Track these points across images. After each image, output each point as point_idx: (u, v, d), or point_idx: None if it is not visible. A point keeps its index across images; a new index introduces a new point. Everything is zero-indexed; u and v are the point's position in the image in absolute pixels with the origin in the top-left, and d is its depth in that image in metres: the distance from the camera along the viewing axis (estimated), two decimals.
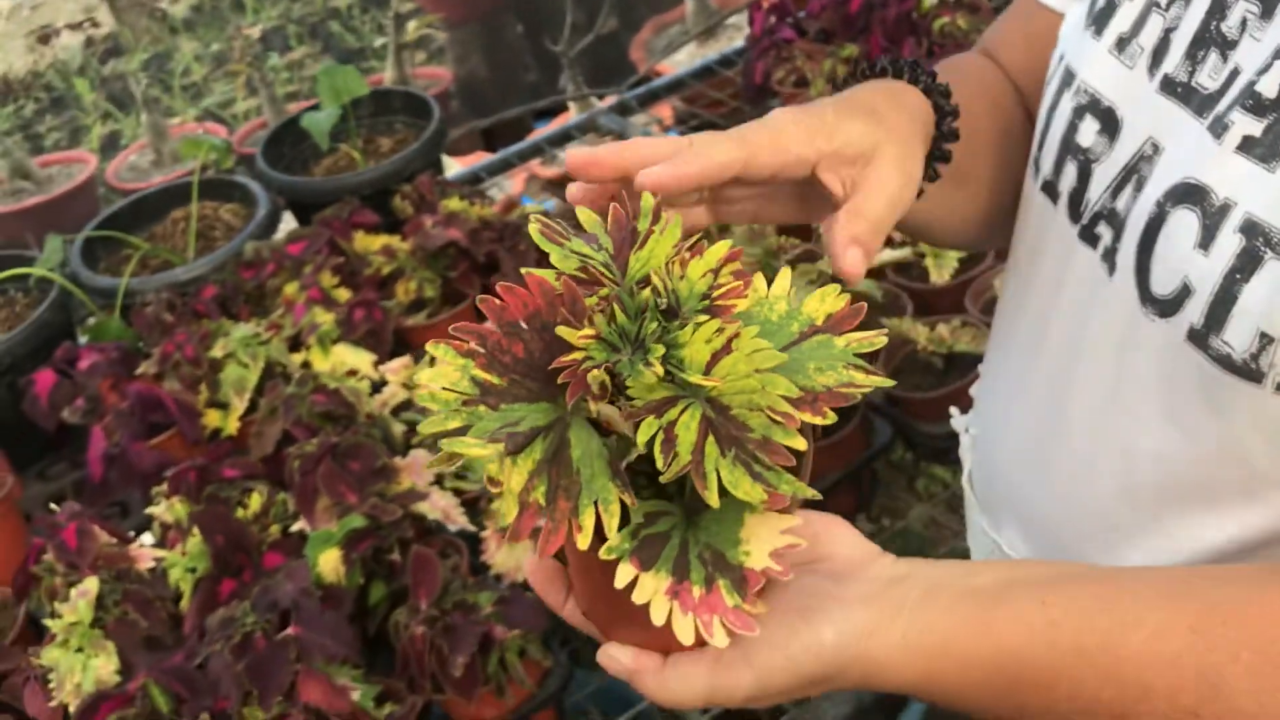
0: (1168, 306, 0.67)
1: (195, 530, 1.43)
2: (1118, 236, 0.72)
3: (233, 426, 1.65)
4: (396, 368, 1.69)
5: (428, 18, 2.73)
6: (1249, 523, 0.70)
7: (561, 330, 0.51)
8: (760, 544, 0.53)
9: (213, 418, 1.67)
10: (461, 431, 0.51)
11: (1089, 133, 0.76)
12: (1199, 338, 0.66)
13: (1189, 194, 0.66)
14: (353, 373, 1.69)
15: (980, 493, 0.95)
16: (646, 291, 0.53)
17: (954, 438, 1.05)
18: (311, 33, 3.68)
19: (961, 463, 1.01)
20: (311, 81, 3.35)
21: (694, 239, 0.56)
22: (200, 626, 1.35)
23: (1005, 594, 0.62)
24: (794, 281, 0.60)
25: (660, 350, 0.51)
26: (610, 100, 2.51)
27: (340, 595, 1.35)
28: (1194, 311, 0.65)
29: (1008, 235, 0.96)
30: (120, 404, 1.65)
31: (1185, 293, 0.66)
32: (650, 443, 0.51)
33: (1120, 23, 0.76)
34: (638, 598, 0.51)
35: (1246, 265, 0.62)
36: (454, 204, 1.90)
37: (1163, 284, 0.68)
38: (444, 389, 0.51)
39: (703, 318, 0.52)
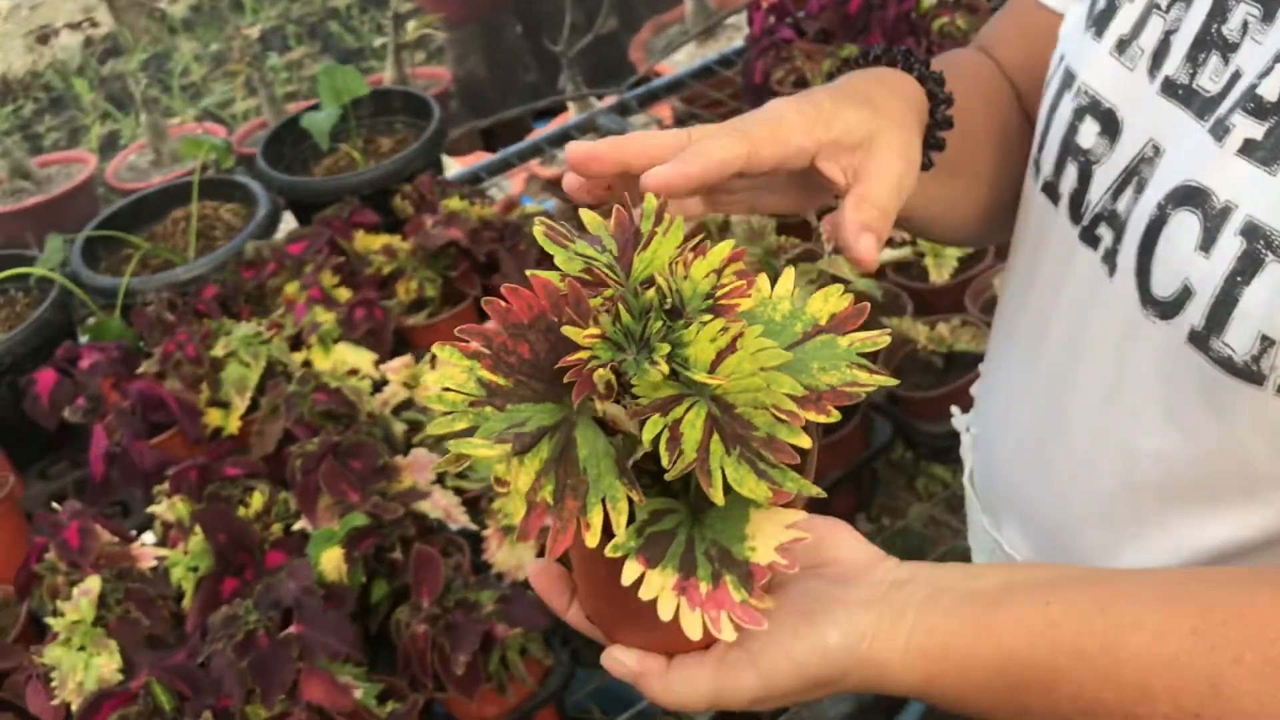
0: (1168, 308, 0.68)
1: (197, 529, 1.43)
2: (1118, 238, 0.72)
3: (234, 426, 1.66)
4: (397, 367, 1.69)
5: (427, 18, 2.74)
6: (1249, 522, 0.70)
7: (567, 330, 0.51)
8: (766, 539, 0.53)
9: (214, 417, 1.67)
10: (468, 433, 0.51)
11: (1089, 134, 0.76)
12: (1200, 340, 0.66)
13: (1190, 196, 0.66)
14: (354, 372, 1.69)
15: (981, 492, 0.95)
16: (651, 291, 0.54)
17: (954, 437, 1.05)
18: (310, 33, 3.68)
19: (962, 462, 1.02)
20: (310, 81, 3.36)
21: (697, 239, 0.56)
22: (202, 625, 1.36)
23: (1006, 596, 0.63)
24: (794, 281, 0.60)
25: (665, 349, 0.51)
26: (610, 100, 2.52)
27: (342, 594, 1.35)
28: (1195, 313, 0.66)
29: (1006, 232, 0.96)
30: (122, 403, 1.65)
31: (1186, 295, 0.66)
32: (655, 441, 0.51)
33: (1120, 25, 0.76)
34: (644, 594, 0.52)
35: (1247, 268, 0.63)
36: (454, 204, 1.90)
37: (1163, 286, 0.68)
38: (450, 390, 0.51)
39: (707, 317, 0.53)
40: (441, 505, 1.47)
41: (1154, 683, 0.59)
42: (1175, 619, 0.60)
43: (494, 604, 1.34)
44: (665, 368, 0.51)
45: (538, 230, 0.56)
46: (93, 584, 1.37)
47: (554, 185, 2.63)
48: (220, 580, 1.42)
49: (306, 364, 1.70)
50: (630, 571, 0.52)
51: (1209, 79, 0.68)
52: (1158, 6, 0.73)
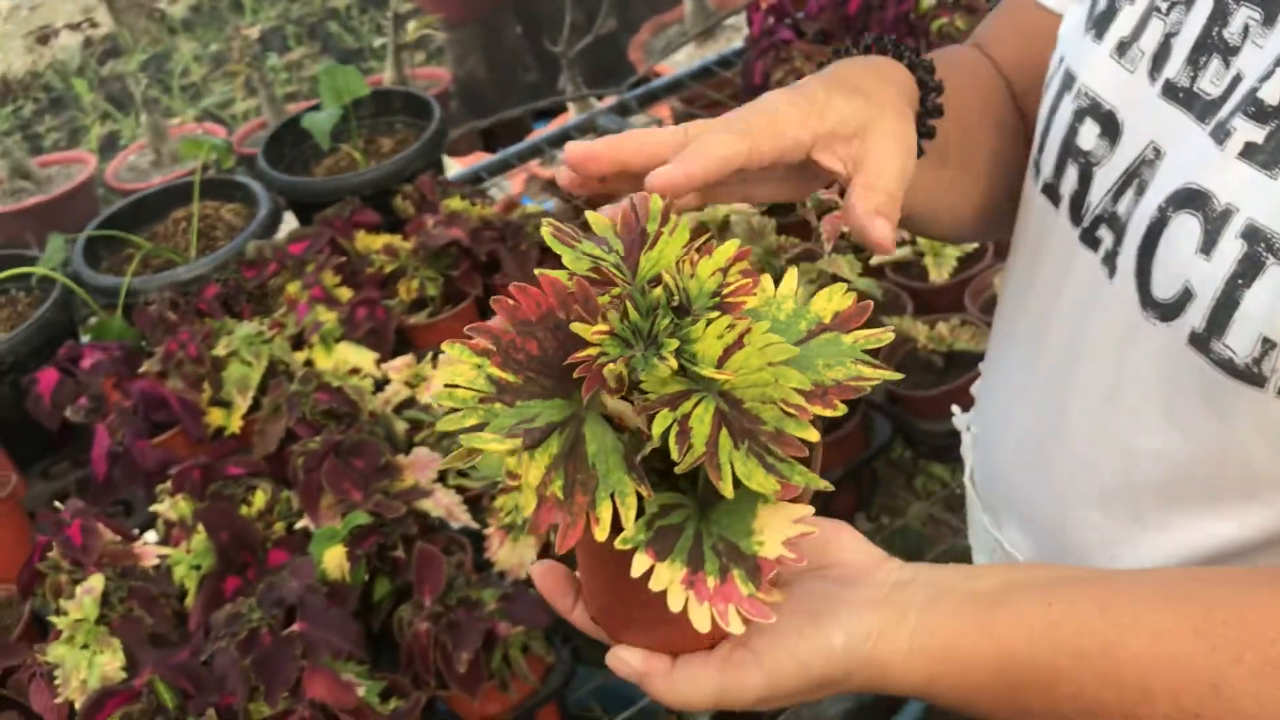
0: (1169, 310, 0.68)
1: (200, 527, 1.44)
2: (1119, 240, 0.73)
3: (235, 425, 1.66)
4: (399, 366, 1.70)
5: (427, 18, 2.74)
6: (1249, 522, 0.70)
7: (576, 326, 0.52)
8: (773, 534, 0.54)
9: (216, 416, 1.67)
10: (478, 428, 0.52)
11: (1090, 136, 0.76)
12: (1200, 342, 0.66)
13: (1191, 199, 0.66)
14: (355, 371, 1.70)
15: (982, 490, 0.95)
16: (658, 290, 0.54)
17: (954, 435, 1.06)
18: (310, 33, 3.69)
19: (961, 461, 1.02)
20: (310, 82, 3.36)
21: (703, 239, 0.57)
22: (205, 623, 1.36)
23: (1007, 597, 0.63)
24: (797, 281, 0.61)
25: (674, 344, 0.52)
26: (610, 101, 2.53)
27: (345, 592, 1.36)
28: (1195, 316, 0.66)
29: (999, 229, 0.96)
30: (124, 402, 1.65)
31: (1187, 297, 0.66)
32: (663, 438, 0.52)
33: (1121, 27, 0.76)
34: (654, 585, 0.52)
35: (1248, 271, 0.63)
36: (455, 203, 1.91)
37: (1164, 288, 0.68)
38: (460, 387, 0.52)
39: (714, 314, 0.53)
40: (443, 504, 1.48)
41: (1154, 683, 0.60)
42: (1175, 619, 0.61)
43: (496, 602, 1.34)
44: (674, 363, 0.51)
45: (545, 231, 0.57)
46: (96, 582, 1.37)
47: (554, 185, 2.63)
48: (223, 579, 1.42)
49: (308, 363, 1.71)
50: (640, 564, 0.52)
51: (1210, 82, 0.68)
52: (1158, 9, 0.73)
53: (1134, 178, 0.72)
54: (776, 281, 0.61)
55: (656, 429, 0.51)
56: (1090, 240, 0.76)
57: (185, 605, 1.43)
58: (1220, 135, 0.66)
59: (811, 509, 0.55)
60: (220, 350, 1.69)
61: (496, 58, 3.21)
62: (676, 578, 0.53)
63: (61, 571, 1.44)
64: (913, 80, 0.77)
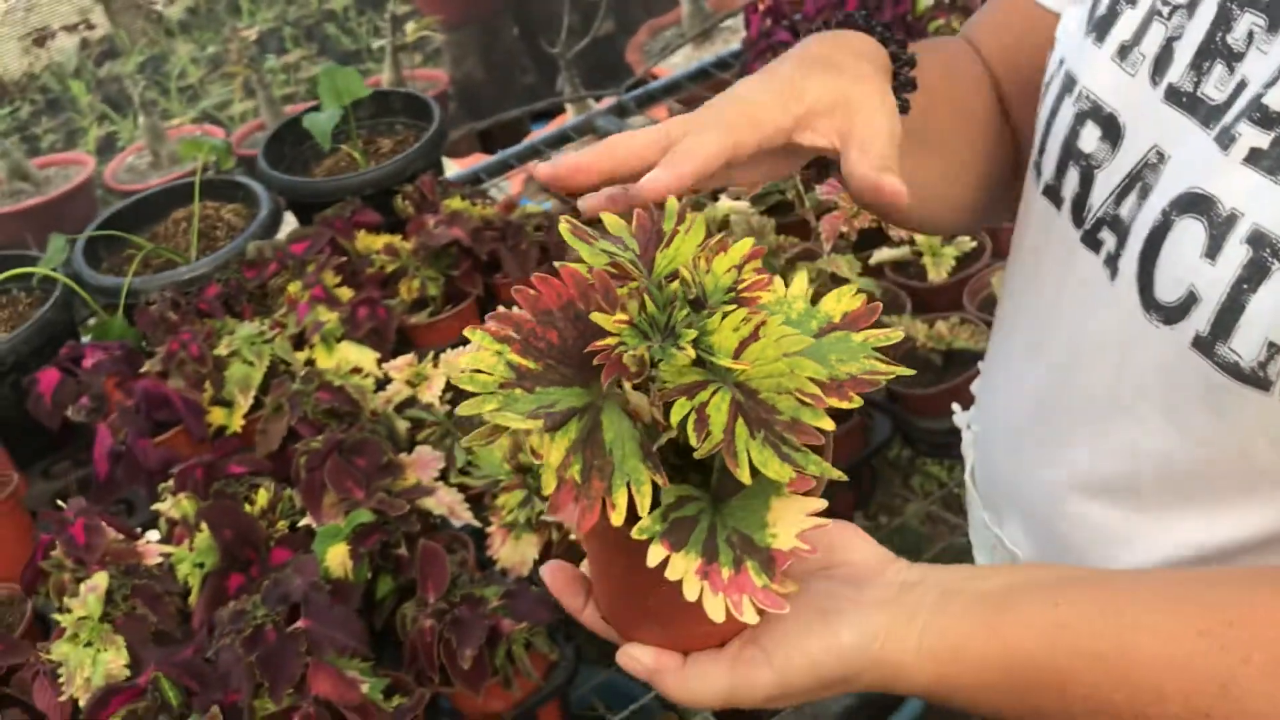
0: (1173, 313, 0.68)
1: (203, 526, 1.44)
2: (1121, 243, 0.73)
3: (237, 424, 1.66)
4: (400, 365, 1.71)
5: (426, 20, 2.75)
6: (1251, 521, 0.71)
7: (596, 315, 0.53)
8: (787, 526, 0.55)
9: (217, 415, 1.68)
10: (498, 412, 0.52)
11: (1091, 139, 0.77)
12: (1205, 345, 0.66)
13: (1195, 203, 0.67)
14: (357, 370, 1.70)
15: (982, 488, 0.96)
16: (675, 284, 0.55)
17: (953, 433, 1.06)
18: (307, 35, 3.69)
19: (960, 459, 1.03)
20: (307, 84, 3.37)
21: (718, 238, 0.58)
22: (209, 621, 1.36)
23: (1015, 598, 0.64)
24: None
25: (692, 334, 0.53)
26: (607, 102, 2.53)
27: (348, 589, 1.36)
28: (1200, 319, 0.66)
29: (982, 221, 0.97)
30: (126, 402, 1.66)
31: (1191, 300, 0.66)
32: (680, 427, 0.53)
33: (1122, 31, 0.76)
34: (670, 574, 0.53)
35: (1254, 275, 0.63)
36: (456, 203, 1.92)
37: (1168, 291, 0.68)
38: (481, 373, 0.53)
39: (730, 307, 0.54)
40: (445, 502, 1.48)
41: (1165, 684, 0.60)
42: (1184, 620, 0.61)
43: (499, 599, 1.34)
44: (692, 352, 0.52)
45: (563, 228, 0.58)
46: (100, 580, 1.38)
47: None
48: (226, 576, 1.42)
49: (310, 363, 1.71)
50: (655, 554, 0.53)
51: (1214, 87, 0.69)
52: (1159, 13, 0.73)
53: (1137, 181, 0.73)
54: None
55: (674, 416, 0.52)
56: (1092, 242, 0.76)
57: (189, 603, 1.43)
58: (1225, 140, 0.66)
59: (825, 502, 0.56)
60: (222, 350, 1.70)
61: (494, 59, 3.22)
62: (691, 568, 0.54)
63: (65, 570, 1.44)
64: (885, 54, 0.77)
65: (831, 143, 0.70)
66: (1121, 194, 0.74)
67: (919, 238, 1.76)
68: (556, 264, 0.54)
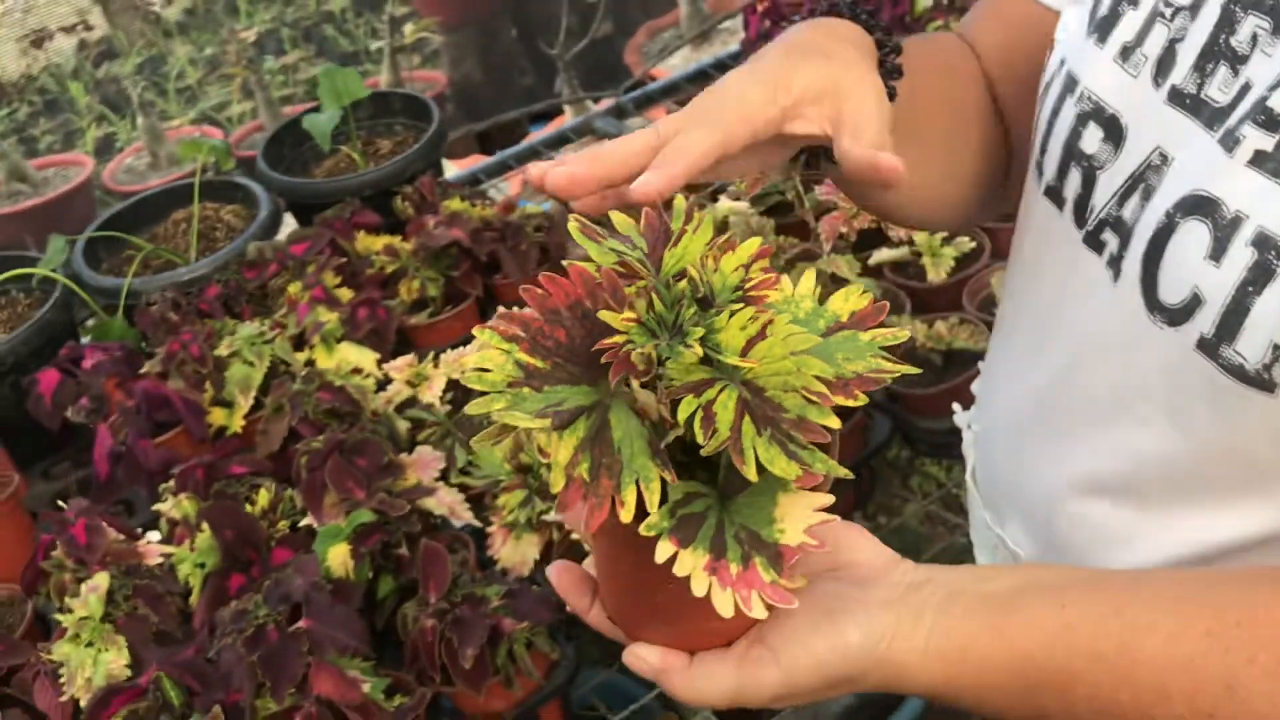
0: (1177, 315, 0.68)
1: (204, 526, 1.44)
2: (1124, 244, 0.73)
3: (237, 425, 1.67)
4: (401, 366, 1.71)
5: (424, 22, 2.75)
6: (1252, 520, 0.71)
7: (604, 314, 0.53)
8: (795, 522, 0.55)
9: (217, 416, 1.68)
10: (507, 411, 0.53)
11: (1093, 140, 0.76)
12: (1209, 347, 0.66)
13: (1199, 205, 0.67)
14: (357, 371, 1.70)
15: (983, 488, 0.96)
16: (683, 283, 0.56)
17: (953, 433, 1.06)
18: (305, 36, 3.69)
19: (960, 459, 1.03)
20: (306, 85, 3.37)
21: (725, 237, 0.58)
22: (210, 621, 1.37)
23: (1021, 599, 0.64)
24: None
25: (699, 332, 0.53)
26: (606, 103, 2.54)
27: (349, 589, 1.36)
28: (1205, 321, 0.66)
29: (973, 218, 0.96)
30: (126, 402, 1.66)
31: (1196, 303, 0.66)
32: (687, 425, 0.53)
33: (1124, 32, 0.76)
34: (678, 570, 0.53)
35: (1259, 278, 0.63)
36: (456, 204, 1.92)
37: (1171, 293, 0.68)
38: (489, 371, 0.53)
39: (737, 306, 0.55)
40: (446, 502, 1.48)
41: (1170, 684, 0.61)
42: (1189, 621, 0.61)
43: (500, 599, 1.35)
44: (699, 350, 0.53)
45: (572, 226, 0.58)
46: (101, 580, 1.38)
47: None
48: (227, 577, 1.43)
49: (310, 363, 1.72)
50: (663, 550, 0.54)
51: (1218, 89, 0.68)
52: (1162, 15, 0.73)
53: (1140, 182, 0.72)
54: None
55: (681, 414, 0.52)
56: (1094, 243, 0.76)
57: (189, 604, 1.44)
58: (1229, 143, 0.66)
59: (832, 498, 0.56)
60: (222, 350, 1.70)
61: (492, 61, 3.22)
62: (699, 564, 0.54)
63: (66, 570, 1.44)
64: (871, 40, 0.77)
65: (823, 129, 0.69)
66: (1124, 195, 0.74)
67: (918, 238, 1.76)
68: (564, 263, 0.55)
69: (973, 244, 1.80)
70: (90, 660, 1.34)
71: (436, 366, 1.71)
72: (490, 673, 1.32)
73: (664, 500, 0.55)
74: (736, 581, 0.54)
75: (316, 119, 2.05)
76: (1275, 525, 0.70)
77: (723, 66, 2.45)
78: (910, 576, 0.66)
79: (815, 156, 0.78)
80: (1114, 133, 0.75)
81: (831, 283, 1.64)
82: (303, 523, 1.47)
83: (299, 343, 1.75)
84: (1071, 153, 0.78)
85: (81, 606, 1.36)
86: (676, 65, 2.81)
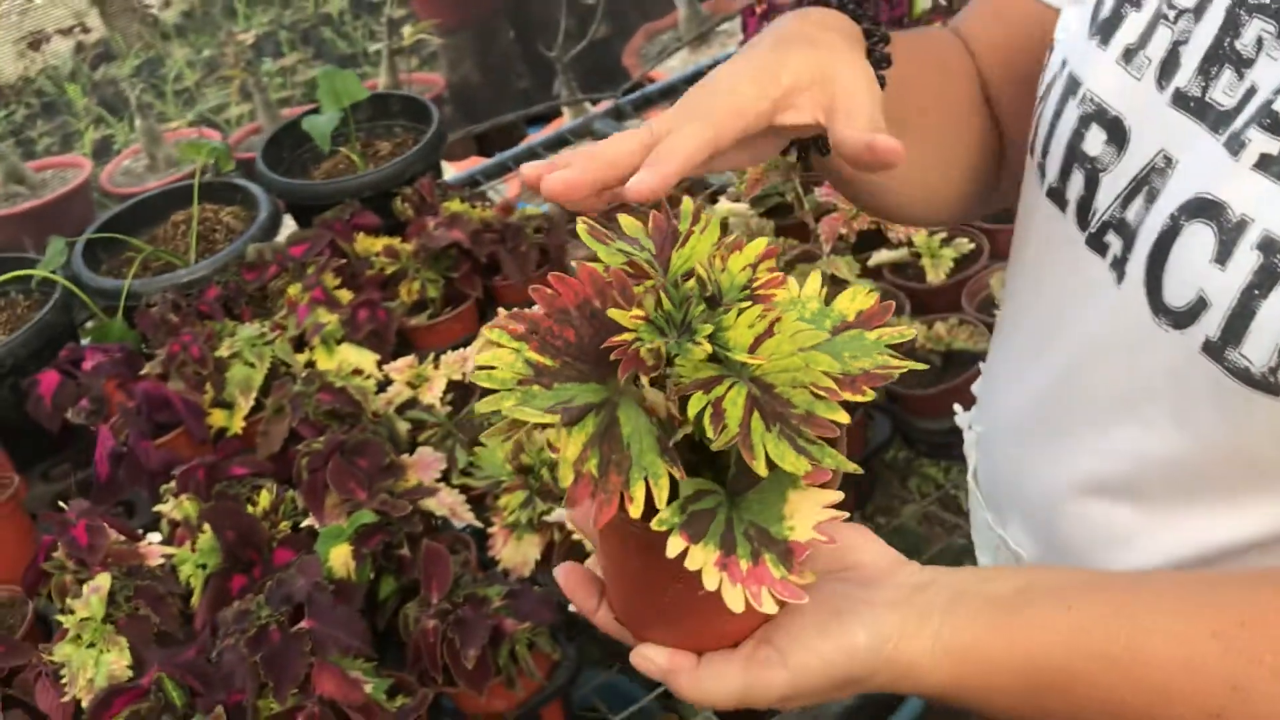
0: (1182, 318, 0.68)
1: (205, 527, 1.44)
2: (1128, 247, 0.73)
3: (238, 426, 1.67)
4: (401, 367, 1.71)
5: (423, 24, 2.76)
6: (1255, 521, 0.71)
7: (613, 311, 0.53)
8: (804, 519, 0.55)
9: (218, 417, 1.68)
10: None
11: (1096, 142, 0.76)
12: (1215, 350, 0.66)
13: (1204, 209, 0.67)
14: (357, 372, 1.71)
15: (985, 489, 0.96)
16: (691, 282, 0.56)
17: (952, 434, 1.06)
18: (303, 39, 3.69)
19: (958, 460, 1.03)
20: (304, 87, 3.38)
21: (733, 237, 0.59)
22: (211, 622, 1.37)
23: (1028, 601, 0.65)
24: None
25: (708, 329, 0.53)
26: (604, 105, 2.54)
27: (351, 590, 1.37)
28: (1210, 324, 0.66)
29: (962, 214, 0.96)
30: (127, 403, 1.66)
31: (1201, 306, 0.66)
32: (697, 421, 0.53)
33: (1127, 34, 0.75)
34: (690, 564, 0.54)
35: (1265, 281, 0.63)
36: (455, 206, 1.92)
37: (1176, 296, 0.68)
38: (499, 369, 0.54)
39: (745, 304, 0.55)
40: (447, 503, 1.49)
41: (1176, 685, 0.61)
42: (1195, 622, 0.62)
43: (502, 599, 1.35)
44: (708, 347, 0.53)
45: (581, 228, 0.58)
46: (103, 581, 1.38)
47: None
48: (229, 577, 1.43)
49: (310, 365, 1.72)
50: (674, 545, 0.54)
51: (1223, 93, 0.68)
52: (1165, 17, 0.73)
53: (1144, 185, 0.72)
54: None
55: (691, 410, 0.53)
56: (1097, 245, 0.76)
57: (190, 604, 1.44)
58: (1235, 146, 0.66)
59: (841, 494, 0.57)
60: (223, 352, 1.70)
61: (490, 63, 3.23)
62: (710, 560, 0.55)
63: (67, 571, 1.44)
64: (858, 30, 0.77)
65: (815, 118, 0.69)
66: (1128, 198, 0.73)
67: (918, 240, 1.77)
68: (573, 263, 0.55)
69: (971, 245, 1.81)
70: (92, 661, 1.34)
71: (437, 368, 1.71)
72: (492, 673, 1.32)
73: (674, 498, 0.55)
74: (747, 577, 0.54)
75: (316, 120, 2.05)
76: (1277, 526, 0.70)
77: None
78: (916, 578, 0.67)
79: (805, 149, 0.78)
80: (1117, 135, 0.75)
81: (831, 284, 1.65)
82: (304, 524, 1.47)
83: (299, 344, 1.75)
84: (1074, 154, 0.78)
85: (83, 607, 1.36)
86: (675, 67, 2.82)
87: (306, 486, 1.46)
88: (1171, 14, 0.73)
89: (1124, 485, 0.77)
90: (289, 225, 2.15)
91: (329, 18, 3.73)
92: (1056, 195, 0.81)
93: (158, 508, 1.54)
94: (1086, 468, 0.80)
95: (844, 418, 0.54)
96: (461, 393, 1.70)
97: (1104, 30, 0.77)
